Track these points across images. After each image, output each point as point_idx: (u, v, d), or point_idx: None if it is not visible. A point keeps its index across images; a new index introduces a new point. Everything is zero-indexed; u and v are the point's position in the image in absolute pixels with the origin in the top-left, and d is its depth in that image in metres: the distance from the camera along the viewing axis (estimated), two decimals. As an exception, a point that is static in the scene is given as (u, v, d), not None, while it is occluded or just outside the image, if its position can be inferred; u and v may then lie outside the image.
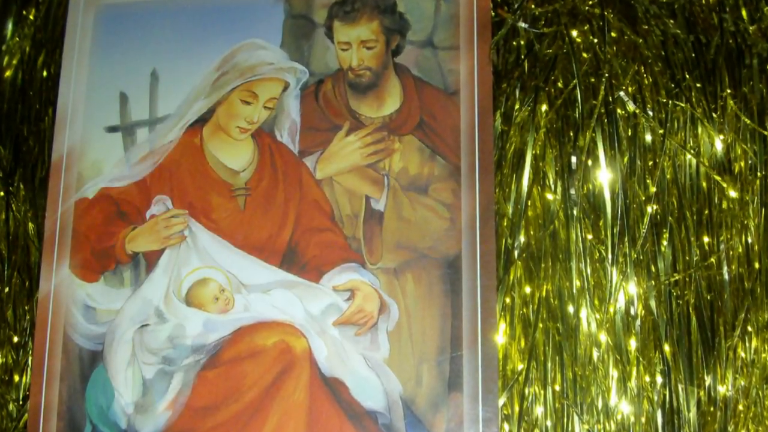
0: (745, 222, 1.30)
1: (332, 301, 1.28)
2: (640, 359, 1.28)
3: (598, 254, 1.30)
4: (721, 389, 1.27)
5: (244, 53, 1.38)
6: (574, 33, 1.34)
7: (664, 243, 1.31)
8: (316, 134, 1.35)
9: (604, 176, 1.28)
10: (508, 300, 1.30)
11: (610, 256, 1.26)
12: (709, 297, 1.30)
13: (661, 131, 1.31)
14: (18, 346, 1.47)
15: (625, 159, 1.31)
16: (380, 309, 1.27)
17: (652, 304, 1.28)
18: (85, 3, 1.44)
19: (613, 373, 1.27)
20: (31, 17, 1.58)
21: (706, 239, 1.32)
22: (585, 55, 1.33)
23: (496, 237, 1.28)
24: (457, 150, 1.30)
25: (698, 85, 1.33)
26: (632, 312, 1.28)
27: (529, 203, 1.31)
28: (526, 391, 1.27)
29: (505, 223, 1.31)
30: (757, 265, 1.29)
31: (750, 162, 1.32)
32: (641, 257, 1.29)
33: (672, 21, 1.34)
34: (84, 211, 1.37)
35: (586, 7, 1.34)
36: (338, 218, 1.31)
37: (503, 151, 1.33)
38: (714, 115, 1.32)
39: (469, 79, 1.32)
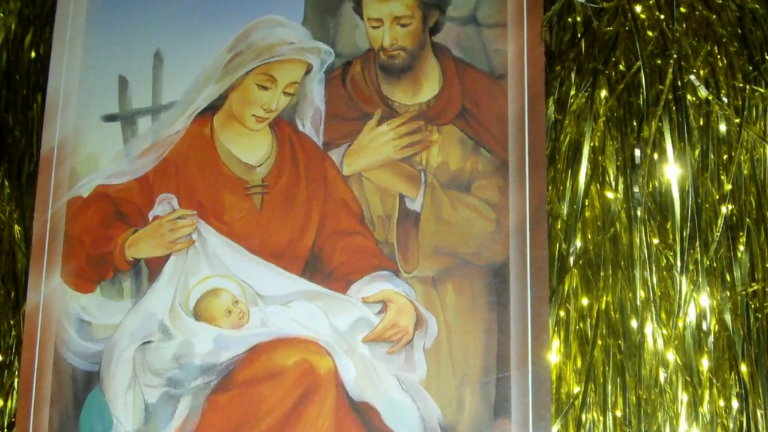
0: (834, 224, 1.29)
1: (361, 314, 1.26)
2: (714, 381, 1.26)
3: (665, 261, 1.28)
4: (806, 415, 1.27)
5: (260, 31, 1.36)
6: (638, 8, 1.31)
7: (741, 248, 1.28)
8: (343, 124, 1.33)
9: (673, 172, 1.25)
10: (562, 313, 1.28)
11: (679, 263, 1.23)
12: (792, 310, 1.29)
13: (737, 120, 1.28)
14: (2, 366, 1.47)
15: (696, 152, 1.29)
16: (416, 324, 1.25)
17: (727, 317, 1.26)
18: (78, -26, 1.44)
19: (683, 396, 1.25)
20: (18, -9, 1.52)
21: (788, 244, 1.30)
22: (650, 33, 1.31)
23: (549, 241, 1.27)
24: (504, 142, 1.28)
25: (780, 67, 1.31)
26: (704, 327, 1.26)
27: (587, 203, 1.29)
28: (583, 417, 1.25)
29: (558, 226, 1.29)
30: None
31: (839, 155, 1.31)
32: (715, 264, 1.27)
33: (750, -6, 1.34)
34: (78, 211, 1.36)
35: (652, -21, 1.33)
36: (368, 220, 1.29)
37: (557, 144, 1.32)
38: (797, 101, 1.31)
39: (517, 61, 1.30)
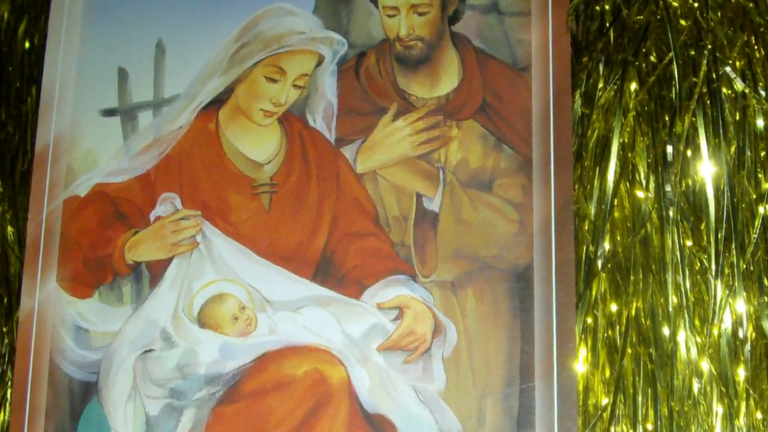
0: None
1: (376, 321, 1.26)
2: (751, 392, 1.25)
3: (699, 264, 1.28)
4: None
5: (269, 20, 1.36)
6: (671, -5, 1.31)
7: (780, 251, 1.28)
8: (356, 119, 1.33)
9: (707, 170, 1.25)
10: (589, 320, 1.27)
11: (713, 266, 1.23)
12: (833, 316, 1.28)
13: (775, 115, 1.29)
14: (-6, 377, 1.44)
15: (732, 149, 1.28)
16: (434, 331, 1.25)
17: (765, 324, 1.25)
18: (75, -40, 1.45)
19: (718, 408, 1.24)
20: (10, -23, 1.55)
21: (830, 246, 1.29)
22: (683, 22, 1.30)
23: (576, 244, 1.26)
24: (527, 138, 1.28)
25: (820, 59, 1.31)
26: (741, 334, 1.25)
27: (616, 202, 1.29)
28: (612, 430, 1.24)
29: (586, 227, 1.29)
30: None
31: None
32: (752, 268, 1.26)
33: (789, -19, 1.34)
34: (75, 212, 1.35)
35: (685, -35, 1.33)
36: (383, 221, 1.29)
37: (584, 140, 1.32)
38: (840, 94, 1.30)
39: (542, 52, 1.30)
